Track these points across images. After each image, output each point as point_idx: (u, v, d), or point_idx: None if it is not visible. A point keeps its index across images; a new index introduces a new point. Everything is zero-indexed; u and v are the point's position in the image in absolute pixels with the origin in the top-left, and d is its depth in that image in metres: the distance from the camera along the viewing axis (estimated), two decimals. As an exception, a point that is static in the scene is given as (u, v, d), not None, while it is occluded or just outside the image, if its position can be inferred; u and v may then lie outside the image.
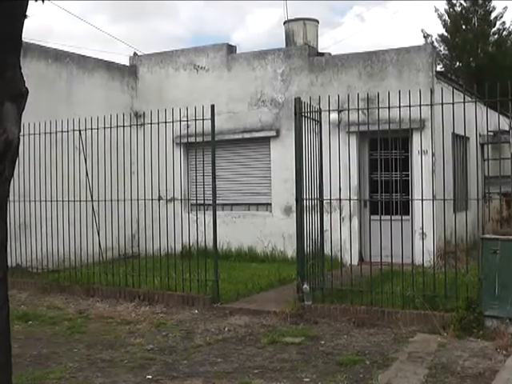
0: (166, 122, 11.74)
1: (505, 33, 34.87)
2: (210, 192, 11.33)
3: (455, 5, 34.99)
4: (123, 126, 12.24)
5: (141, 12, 67.67)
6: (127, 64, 18.60)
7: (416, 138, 13.87)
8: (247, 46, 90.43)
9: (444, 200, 9.75)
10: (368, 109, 10.67)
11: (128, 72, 18.20)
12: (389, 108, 9.89)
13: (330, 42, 58.40)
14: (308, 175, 10.70)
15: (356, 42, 56.72)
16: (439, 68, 30.05)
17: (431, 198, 10.46)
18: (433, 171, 13.89)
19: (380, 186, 10.90)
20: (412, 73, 14.84)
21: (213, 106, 11.21)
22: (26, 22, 3.93)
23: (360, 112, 10.88)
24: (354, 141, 14.31)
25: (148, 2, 67.46)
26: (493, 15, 34.81)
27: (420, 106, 9.79)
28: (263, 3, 68.68)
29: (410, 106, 9.79)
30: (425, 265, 10.67)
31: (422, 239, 11.50)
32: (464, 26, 34.89)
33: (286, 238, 15.58)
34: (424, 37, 35.40)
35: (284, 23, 18.45)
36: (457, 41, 34.46)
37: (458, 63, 35.25)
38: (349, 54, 15.92)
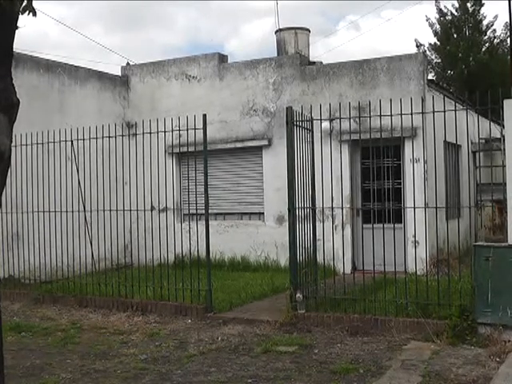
0: (158, 132, 11.75)
1: (496, 41, 35.03)
2: (203, 201, 11.33)
3: (446, 14, 35.16)
4: (115, 136, 12.24)
5: (136, 22, 67.89)
6: (119, 74, 18.61)
7: (408, 146, 13.91)
8: (241, 54, 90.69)
9: (436, 208, 9.77)
10: (360, 117, 10.70)
11: (120, 82, 18.21)
12: (380, 116, 9.91)
13: (322, 50, 58.59)
14: (300, 184, 10.71)
15: (349, 49, 56.91)
16: (431, 76, 30.22)
17: (423, 205, 10.49)
18: (425, 179, 13.93)
19: (372, 194, 10.92)
20: (403, 81, 14.88)
21: (205, 116, 11.21)
22: (19, 32, 3.95)
23: (352, 120, 10.91)
24: (345, 149, 14.35)
25: (143, 13, 67.67)
26: (484, 23, 34.98)
27: (412, 114, 9.81)
28: (257, 12, 68.86)
29: (401, 115, 9.81)
30: (418, 272, 10.68)
31: (415, 247, 11.54)
32: (455, 35, 35.05)
33: (278, 246, 15.57)
34: (417, 46, 35.58)
35: (275, 32, 18.49)
36: (448, 49, 34.59)
37: (449, 71, 35.38)
38: (340, 63, 15.96)
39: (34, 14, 4.07)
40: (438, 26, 35.48)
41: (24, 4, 3.95)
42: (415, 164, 13.48)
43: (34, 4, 3.99)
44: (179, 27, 73.02)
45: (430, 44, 35.74)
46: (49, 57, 16.71)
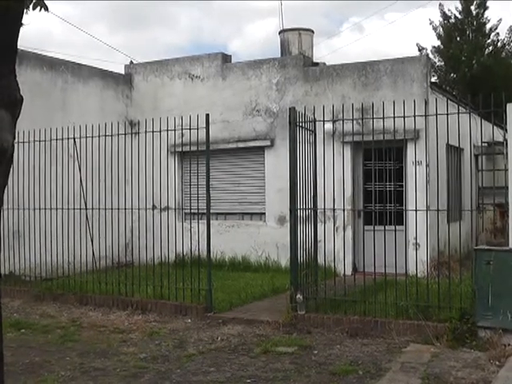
0: (160, 131, 11.76)
1: (499, 44, 35.00)
2: (204, 201, 11.33)
3: (450, 17, 35.15)
4: (118, 135, 12.23)
5: (139, 22, 67.90)
6: (122, 72, 18.60)
7: (410, 148, 13.90)
8: (244, 54, 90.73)
9: (438, 210, 9.76)
10: (362, 119, 10.70)
11: (123, 80, 18.20)
12: (383, 118, 9.91)
13: (326, 51, 58.56)
14: (302, 185, 10.71)
15: (353, 51, 56.91)
16: (434, 79, 30.18)
17: (425, 208, 10.47)
18: (427, 182, 13.90)
19: (374, 196, 10.91)
20: (406, 83, 14.87)
21: (207, 115, 11.21)
22: (24, 29, 3.95)
23: (354, 122, 10.90)
24: (348, 151, 14.32)
25: (146, 12, 67.71)
26: (487, 27, 34.97)
27: (414, 116, 9.81)
28: (261, 12, 68.89)
29: (404, 117, 9.81)
30: (418, 275, 10.67)
31: (416, 249, 11.50)
32: (458, 38, 35.04)
33: (279, 247, 15.56)
34: (419, 50, 35.51)
35: (279, 33, 18.49)
36: (451, 52, 34.58)
37: (452, 74, 35.36)
38: (343, 64, 15.96)
39: (46, 9, 4.08)
40: (441, 29, 35.47)
41: (34, 1, 3.95)
42: (417, 166, 13.51)
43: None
44: (182, 27, 73.08)
45: (433, 47, 35.73)
46: (55, 55, 16.70)
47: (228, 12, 68.99)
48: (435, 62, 35.14)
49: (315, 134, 11.31)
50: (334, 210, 10.74)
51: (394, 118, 9.78)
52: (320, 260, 11.33)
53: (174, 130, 11.74)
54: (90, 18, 60.08)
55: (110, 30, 67.15)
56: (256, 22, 70.77)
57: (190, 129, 11.21)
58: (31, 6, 4.04)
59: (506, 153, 9.25)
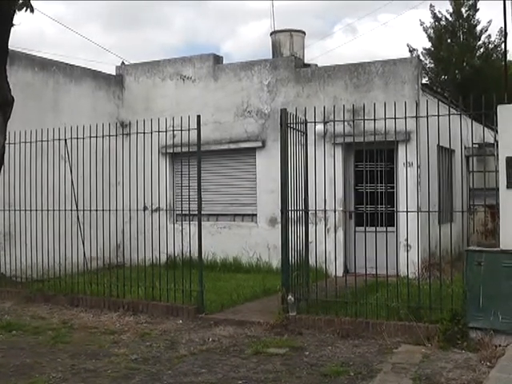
0: (151, 132, 11.73)
1: (490, 46, 35.08)
2: (196, 202, 11.32)
3: (441, 19, 35.22)
4: (109, 136, 12.21)
5: (134, 22, 67.83)
6: (114, 73, 18.57)
7: (401, 150, 13.91)
8: (237, 55, 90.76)
9: (429, 212, 9.78)
10: (354, 120, 10.71)
11: (114, 81, 18.18)
12: (374, 120, 9.92)
13: (318, 52, 58.63)
14: (293, 186, 10.71)
15: (345, 52, 57.03)
16: (425, 81, 30.26)
17: (416, 209, 10.50)
18: (418, 183, 13.94)
19: (365, 197, 10.92)
20: (398, 85, 14.90)
21: (199, 117, 11.21)
22: (15, 30, 3.94)
23: (346, 123, 10.92)
24: (339, 152, 14.35)
25: (141, 13, 67.62)
26: (478, 29, 35.06)
27: (405, 118, 9.82)
28: (254, 14, 68.88)
29: (395, 118, 9.82)
30: (409, 276, 10.68)
31: (407, 251, 11.54)
32: (449, 40, 35.13)
33: (271, 248, 15.58)
34: (410, 51, 35.56)
35: (271, 34, 18.50)
36: (442, 54, 34.67)
37: (443, 76, 35.44)
38: (335, 66, 15.98)
39: (32, 11, 4.09)
40: (431, 31, 35.54)
41: (21, 1, 3.95)
42: (408, 168, 13.49)
43: (32, 2, 4.00)
44: (177, 28, 73.14)
45: (424, 49, 35.82)
46: (46, 55, 16.68)
47: (222, 13, 69.09)
48: (426, 64, 35.24)
49: (306, 136, 11.32)
50: (325, 211, 10.74)
51: (385, 119, 9.79)
52: (311, 261, 11.32)
53: (166, 131, 11.73)
54: (85, 18, 60.06)
55: (104, 30, 67.14)
56: (249, 23, 70.94)
57: (181, 130, 11.21)
58: (17, 7, 4.04)
59: (497, 154, 9.26)
